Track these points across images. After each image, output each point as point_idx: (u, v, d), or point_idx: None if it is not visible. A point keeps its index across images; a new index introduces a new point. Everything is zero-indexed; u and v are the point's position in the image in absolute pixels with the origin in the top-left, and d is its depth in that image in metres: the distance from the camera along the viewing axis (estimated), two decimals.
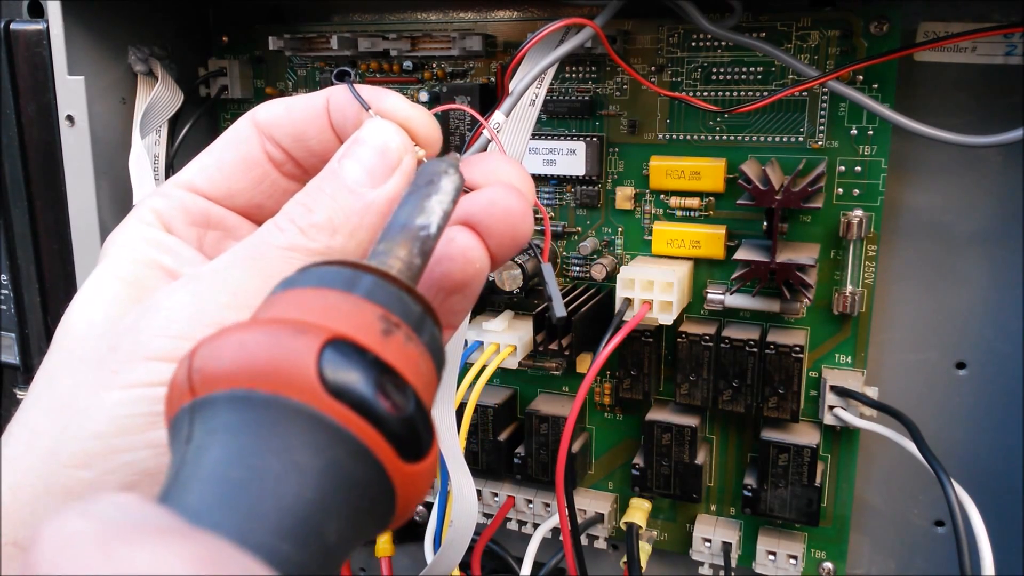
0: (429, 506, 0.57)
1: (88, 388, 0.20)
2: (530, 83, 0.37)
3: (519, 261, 0.46)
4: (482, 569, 0.53)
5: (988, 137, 0.37)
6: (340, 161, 0.22)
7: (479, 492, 0.51)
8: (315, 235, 0.21)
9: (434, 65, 0.51)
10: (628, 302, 0.43)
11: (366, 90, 0.24)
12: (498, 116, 0.37)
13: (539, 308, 0.45)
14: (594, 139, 0.47)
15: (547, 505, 0.52)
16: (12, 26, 0.49)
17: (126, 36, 0.51)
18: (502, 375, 0.53)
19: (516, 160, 0.23)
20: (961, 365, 0.45)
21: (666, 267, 0.45)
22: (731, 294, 0.45)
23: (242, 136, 0.25)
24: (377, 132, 0.23)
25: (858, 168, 0.43)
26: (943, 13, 0.40)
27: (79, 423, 0.20)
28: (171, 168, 0.53)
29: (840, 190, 0.43)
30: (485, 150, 0.37)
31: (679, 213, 0.47)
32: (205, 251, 0.25)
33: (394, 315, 0.17)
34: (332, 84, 0.24)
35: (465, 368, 0.47)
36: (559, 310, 0.25)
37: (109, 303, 0.22)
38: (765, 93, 0.44)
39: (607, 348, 0.42)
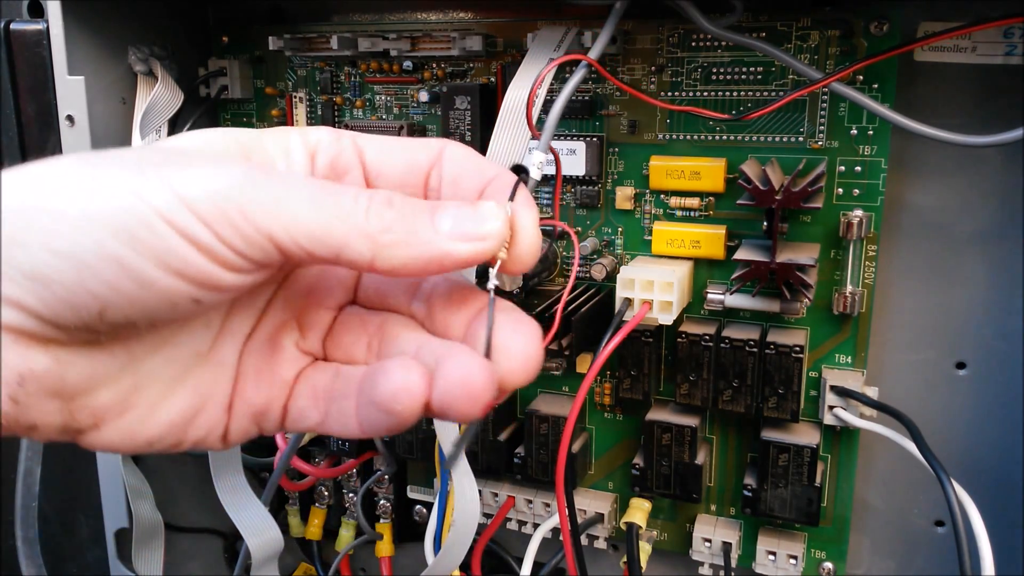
0: (429, 506, 0.57)
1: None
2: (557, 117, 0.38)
3: None
4: (482, 569, 0.53)
5: (988, 137, 0.37)
6: (448, 208, 0.23)
7: (479, 492, 0.51)
8: (376, 235, 0.22)
9: (434, 65, 0.51)
10: (628, 302, 0.43)
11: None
12: (538, 156, 0.37)
13: (539, 308, 0.45)
14: (594, 139, 0.47)
15: (547, 505, 0.52)
16: (12, 26, 0.49)
17: (126, 36, 0.51)
18: None
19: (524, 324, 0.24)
20: (961, 365, 0.45)
21: (666, 267, 0.45)
22: (731, 294, 0.45)
23: (421, 155, 0.27)
24: (493, 211, 0.23)
25: (858, 168, 0.43)
26: (943, 13, 0.40)
27: None
28: None
29: (840, 190, 0.43)
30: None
31: (679, 213, 0.47)
32: None
33: None
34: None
35: None
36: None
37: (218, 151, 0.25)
38: (765, 93, 0.44)
39: (607, 348, 0.42)
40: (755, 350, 0.43)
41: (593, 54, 0.40)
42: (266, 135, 0.26)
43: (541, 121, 0.39)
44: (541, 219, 0.51)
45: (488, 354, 0.23)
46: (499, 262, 0.24)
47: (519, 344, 0.24)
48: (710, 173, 0.45)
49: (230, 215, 0.21)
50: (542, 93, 0.39)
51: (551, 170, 0.48)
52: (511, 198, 0.24)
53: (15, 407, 0.21)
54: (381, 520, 0.58)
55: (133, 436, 0.24)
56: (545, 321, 0.44)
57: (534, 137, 0.38)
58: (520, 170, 0.25)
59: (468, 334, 0.25)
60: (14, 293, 0.20)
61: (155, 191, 0.21)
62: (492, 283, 0.24)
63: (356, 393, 0.24)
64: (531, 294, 0.50)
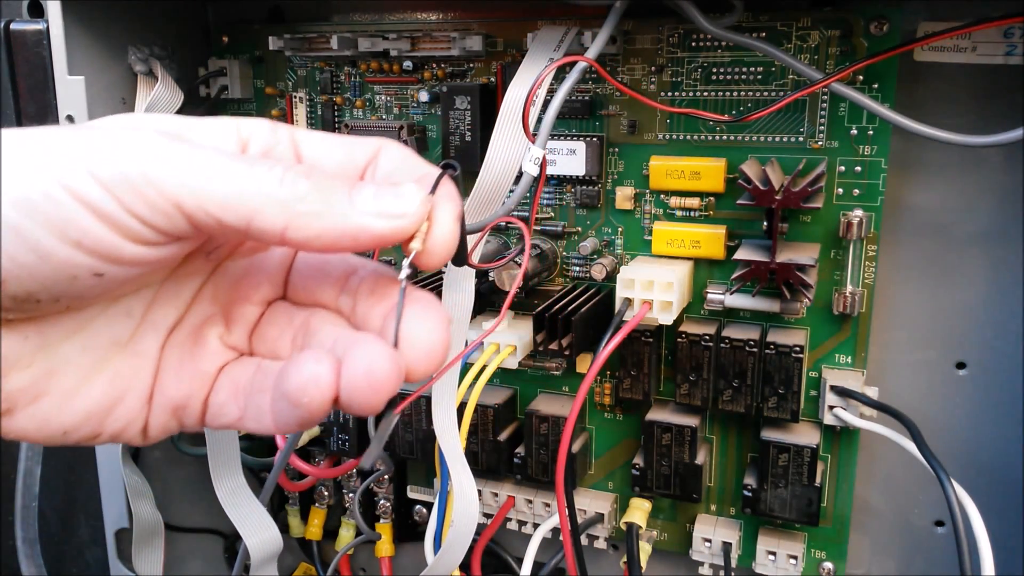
0: (429, 506, 0.57)
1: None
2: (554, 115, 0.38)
3: (519, 261, 0.46)
4: (482, 569, 0.53)
5: (988, 137, 0.37)
6: (368, 185, 0.23)
7: (479, 492, 0.51)
8: (290, 203, 0.22)
9: (434, 65, 0.51)
10: (628, 302, 0.43)
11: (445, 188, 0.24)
12: (536, 151, 0.37)
13: (539, 308, 0.45)
14: (594, 139, 0.47)
15: (547, 505, 0.52)
16: (12, 26, 0.49)
17: (126, 36, 0.51)
18: (502, 375, 0.53)
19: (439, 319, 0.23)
20: (961, 365, 0.45)
21: (666, 267, 0.45)
22: (731, 294, 0.45)
23: (358, 152, 0.26)
24: (413, 192, 0.23)
25: (858, 168, 0.43)
26: (943, 13, 0.40)
27: None
28: None
29: (840, 190, 0.43)
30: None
31: (679, 213, 0.47)
32: None
33: None
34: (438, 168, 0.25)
35: (465, 368, 0.47)
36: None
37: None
38: (765, 93, 0.44)
39: (607, 348, 0.42)
40: (755, 350, 0.43)
41: (592, 54, 0.40)
42: (197, 122, 0.24)
43: (541, 120, 0.40)
44: (542, 219, 0.51)
45: (396, 344, 0.23)
46: (413, 252, 0.23)
47: (424, 333, 0.23)
48: (710, 173, 0.45)
49: (134, 181, 0.20)
50: (541, 94, 0.39)
51: (551, 170, 0.48)
52: (433, 191, 0.23)
53: None
54: (381, 520, 0.58)
55: (47, 423, 0.23)
56: (546, 321, 0.44)
57: (529, 138, 0.38)
58: (449, 166, 0.25)
59: (383, 325, 0.24)
60: None
61: (57, 160, 0.20)
62: (405, 272, 0.23)
63: (272, 387, 0.24)
64: (531, 294, 0.50)
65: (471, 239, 0.40)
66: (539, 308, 0.45)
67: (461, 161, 0.48)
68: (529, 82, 0.39)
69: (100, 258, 0.21)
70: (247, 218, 0.21)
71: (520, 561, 0.50)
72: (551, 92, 0.40)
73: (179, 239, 0.22)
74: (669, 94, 0.46)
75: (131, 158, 0.21)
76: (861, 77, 0.42)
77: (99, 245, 0.21)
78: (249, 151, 0.24)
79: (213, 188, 0.21)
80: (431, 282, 0.49)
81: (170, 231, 0.21)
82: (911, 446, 0.41)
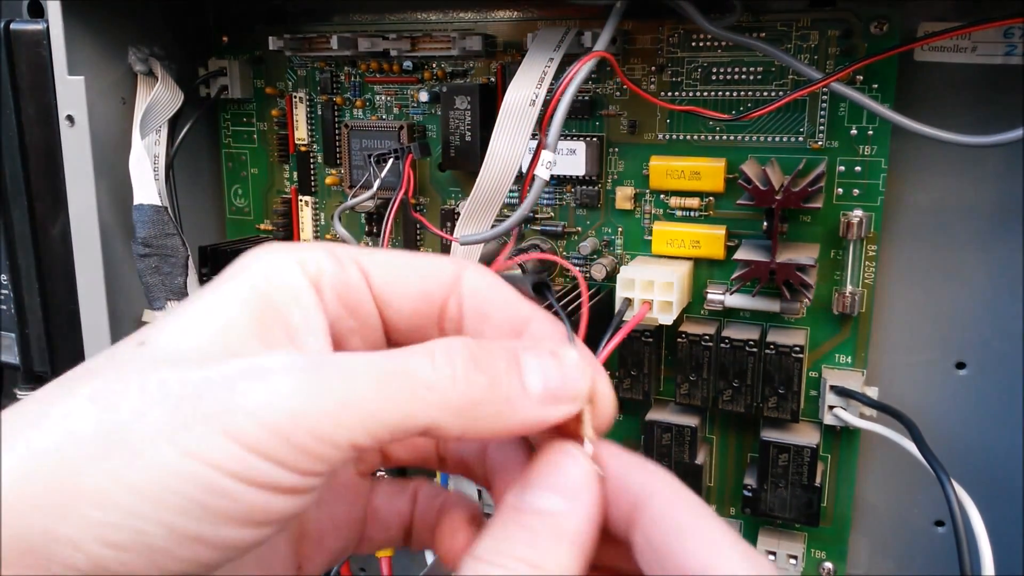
0: None
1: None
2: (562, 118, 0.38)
3: (519, 262, 0.46)
4: None
5: (988, 137, 0.37)
6: (530, 358, 0.21)
7: (479, 492, 0.51)
8: (467, 410, 0.20)
9: (434, 65, 0.51)
10: (628, 302, 0.43)
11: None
12: (546, 156, 0.38)
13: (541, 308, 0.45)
14: (594, 139, 0.47)
15: None
16: (12, 26, 0.49)
17: (126, 36, 0.51)
18: None
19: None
20: (961, 365, 0.45)
21: (666, 267, 0.45)
22: (731, 294, 0.45)
23: (435, 285, 0.23)
24: (579, 367, 0.21)
25: (858, 168, 0.43)
26: (943, 13, 0.40)
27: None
28: (171, 168, 0.53)
29: (840, 190, 0.43)
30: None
31: (679, 213, 0.47)
32: (335, 334, 0.23)
33: None
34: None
35: None
36: None
37: (225, 323, 0.20)
38: (765, 93, 0.44)
39: (607, 348, 0.42)
40: (755, 350, 0.43)
41: (600, 44, 0.40)
42: (269, 284, 0.21)
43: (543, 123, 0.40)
44: (542, 219, 0.51)
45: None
46: (587, 425, 0.22)
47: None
48: (710, 173, 0.45)
49: (297, 440, 0.18)
50: (541, 94, 0.39)
51: (557, 171, 0.48)
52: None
53: None
54: None
55: None
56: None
57: (542, 141, 0.38)
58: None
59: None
60: None
61: (211, 445, 0.17)
62: (588, 448, 0.22)
63: None
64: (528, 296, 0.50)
65: (475, 249, 0.40)
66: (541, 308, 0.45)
67: (461, 161, 0.49)
68: (531, 81, 0.39)
69: (284, 521, 0.19)
70: (422, 431, 0.19)
71: None
72: (552, 93, 0.40)
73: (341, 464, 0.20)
74: (669, 94, 0.46)
75: (286, 416, 0.18)
76: (861, 77, 0.42)
77: (284, 513, 0.18)
78: (324, 297, 0.22)
79: (380, 417, 0.18)
80: None
81: (336, 466, 0.19)
82: (911, 446, 0.41)
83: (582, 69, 0.39)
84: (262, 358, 0.19)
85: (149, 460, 0.17)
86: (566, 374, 0.21)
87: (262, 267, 0.21)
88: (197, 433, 0.17)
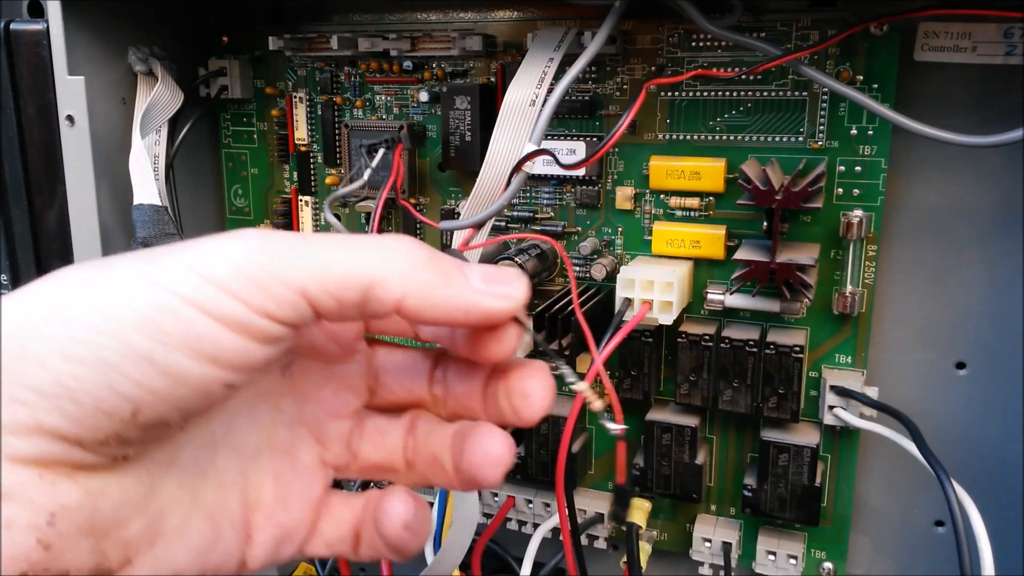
0: (429, 506, 0.57)
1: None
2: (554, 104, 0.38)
3: (519, 261, 0.46)
4: (482, 569, 0.53)
5: (988, 137, 0.37)
6: (476, 267, 0.24)
7: (479, 492, 0.51)
8: (409, 271, 0.22)
9: (434, 65, 0.51)
10: (628, 302, 0.43)
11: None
12: (529, 147, 0.38)
13: (539, 308, 0.45)
14: (594, 139, 0.47)
15: (547, 505, 0.52)
16: (12, 26, 0.49)
17: (126, 36, 0.51)
18: None
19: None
20: (961, 365, 0.45)
21: (666, 267, 0.45)
22: (731, 294, 0.45)
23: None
24: (517, 276, 0.24)
25: (858, 168, 0.43)
26: (942, 7, 0.40)
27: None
28: (171, 168, 0.53)
29: (840, 190, 0.43)
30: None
31: (679, 213, 0.47)
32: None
33: None
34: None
35: None
36: None
37: None
38: (765, 93, 0.44)
39: (607, 348, 0.42)
40: (755, 350, 0.43)
41: (590, 52, 0.40)
42: None
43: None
44: (542, 219, 0.51)
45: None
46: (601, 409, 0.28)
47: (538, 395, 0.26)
48: (710, 173, 0.45)
49: (258, 279, 0.20)
50: (541, 93, 0.39)
51: (554, 170, 0.48)
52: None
53: (46, 554, 0.18)
54: None
55: (162, 567, 0.22)
56: (547, 320, 0.44)
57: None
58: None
59: (487, 408, 0.27)
60: (34, 417, 0.18)
61: (174, 275, 0.19)
62: (613, 428, 0.29)
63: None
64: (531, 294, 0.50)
65: (470, 246, 0.40)
66: (539, 308, 0.45)
67: (461, 161, 0.49)
68: (531, 81, 0.39)
69: (234, 369, 0.20)
70: (365, 289, 0.21)
71: (520, 561, 0.50)
72: (551, 92, 0.40)
73: (300, 326, 0.21)
74: (669, 94, 0.46)
75: (249, 259, 0.20)
76: (861, 77, 0.42)
77: (233, 355, 0.20)
78: None
79: (333, 267, 0.21)
80: None
81: (296, 322, 0.21)
82: (911, 446, 0.41)
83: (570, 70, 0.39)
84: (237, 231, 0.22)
85: (117, 287, 0.19)
86: (504, 275, 0.24)
87: None
88: (163, 265, 0.20)
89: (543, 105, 0.39)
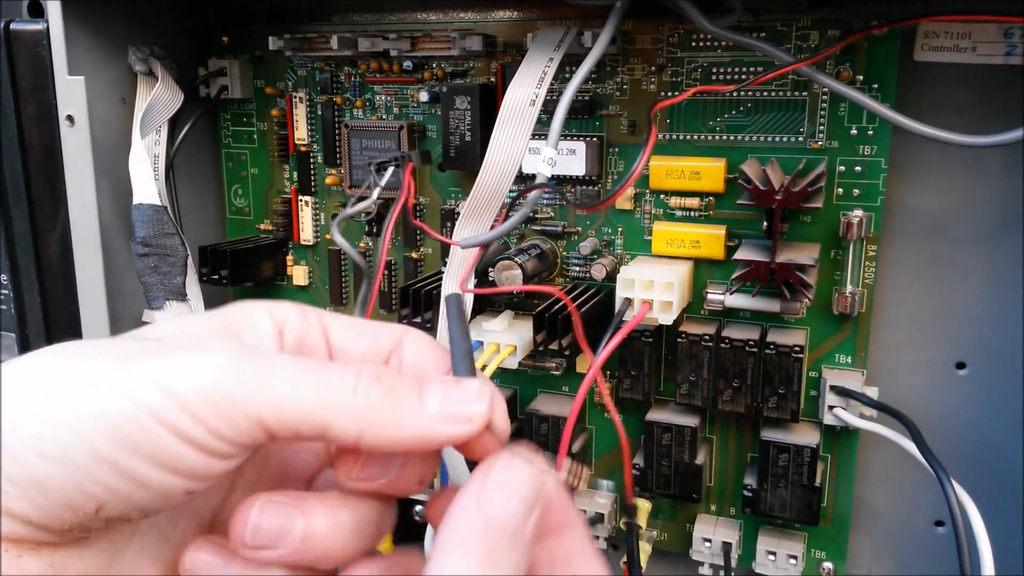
0: None
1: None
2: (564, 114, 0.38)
3: (519, 261, 0.46)
4: None
5: (988, 137, 0.37)
6: (436, 385, 0.23)
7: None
8: (364, 413, 0.22)
9: (434, 65, 0.51)
10: (628, 302, 0.43)
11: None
12: (547, 152, 0.38)
13: (539, 308, 0.45)
14: (594, 139, 0.47)
15: None
16: (12, 26, 0.49)
17: (126, 36, 0.51)
18: (502, 375, 0.53)
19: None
20: (961, 365, 0.45)
21: (666, 267, 0.45)
22: (731, 294, 0.44)
23: (384, 340, 0.26)
24: (478, 391, 0.24)
25: (858, 168, 0.43)
26: (943, 13, 0.40)
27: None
28: (171, 168, 0.53)
29: (840, 190, 0.43)
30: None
31: (679, 213, 0.47)
32: None
33: None
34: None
35: None
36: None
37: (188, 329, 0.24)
38: (765, 93, 0.44)
39: (607, 348, 0.42)
40: (755, 350, 0.43)
41: (594, 54, 0.40)
42: (237, 315, 0.25)
43: (542, 121, 0.40)
44: (542, 219, 0.51)
45: None
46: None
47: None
48: (710, 173, 0.45)
49: (219, 406, 0.21)
50: (541, 93, 0.39)
51: (556, 171, 0.48)
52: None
53: None
54: None
55: None
56: (547, 320, 0.44)
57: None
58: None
59: None
60: (5, 502, 0.20)
61: (143, 388, 0.20)
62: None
63: None
64: (531, 294, 0.50)
65: (473, 252, 0.40)
66: (539, 308, 0.45)
67: (461, 161, 0.49)
68: (532, 81, 0.39)
69: (193, 478, 0.21)
70: (322, 429, 0.22)
71: None
72: (552, 92, 0.40)
73: (257, 447, 0.22)
74: (669, 94, 0.46)
75: (213, 383, 0.21)
76: (861, 77, 0.42)
77: (192, 468, 0.21)
78: (285, 340, 0.25)
79: (291, 403, 0.21)
80: (431, 283, 0.49)
81: (251, 444, 0.22)
82: (911, 446, 0.41)
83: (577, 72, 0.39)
84: (209, 341, 0.23)
85: (89, 389, 0.20)
86: (463, 396, 0.23)
87: (235, 308, 0.25)
88: (135, 378, 0.20)
89: (550, 109, 0.40)
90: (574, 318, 0.39)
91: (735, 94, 0.44)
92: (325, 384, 0.22)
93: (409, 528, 0.59)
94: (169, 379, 0.21)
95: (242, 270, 0.55)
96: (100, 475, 0.20)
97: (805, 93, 0.43)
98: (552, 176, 0.49)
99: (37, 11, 0.50)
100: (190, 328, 0.25)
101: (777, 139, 0.44)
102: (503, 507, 0.22)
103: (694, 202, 0.46)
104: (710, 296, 0.45)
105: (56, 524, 0.20)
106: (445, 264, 0.43)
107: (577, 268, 0.50)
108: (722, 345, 0.44)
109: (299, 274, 0.58)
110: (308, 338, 0.26)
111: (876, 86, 0.42)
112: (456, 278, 0.40)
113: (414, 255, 0.54)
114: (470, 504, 0.22)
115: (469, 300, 0.41)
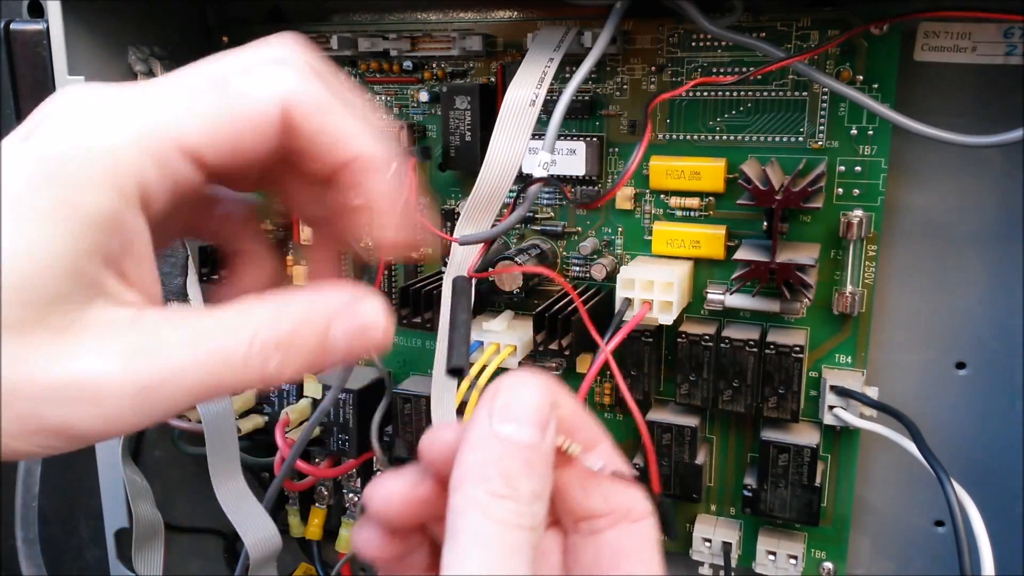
0: None
1: None
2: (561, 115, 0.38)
3: (519, 261, 0.46)
4: None
5: (988, 137, 0.37)
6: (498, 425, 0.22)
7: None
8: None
9: (434, 65, 0.51)
10: (628, 302, 0.43)
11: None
12: (543, 156, 0.38)
13: (539, 308, 0.45)
14: (594, 139, 0.47)
15: None
16: (12, 26, 0.49)
17: (126, 36, 0.51)
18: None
19: None
20: (961, 365, 0.45)
21: (666, 267, 0.45)
22: (731, 294, 0.44)
23: (267, 114, 0.22)
24: (518, 389, 0.22)
25: (858, 168, 0.43)
26: (941, 9, 0.40)
27: None
28: None
29: (840, 190, 0.43)
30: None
31: (679, 213, 0.47)
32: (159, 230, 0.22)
33: None
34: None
35: None
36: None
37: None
38: (765, 93, 0.44)
39: (607, 348, 0.42)
40: (755, 350, 0.43)
41: (594, 54, 0.40)
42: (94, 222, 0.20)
43: (542, 121, 0.40)
44: (542, 219, 0.51)
45: None
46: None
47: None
48: (710, 173, 0.45)
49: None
50: (541, 94, 0.39)
51: (556, 171, 0.48)
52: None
53: None
54: None
55: None
56: (547, 321, 0.44)
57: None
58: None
59: None
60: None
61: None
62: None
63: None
64: (531, 294, 0.50)
65: (474, 249, 0.40)
66: (539, 308, 0.45)
67: (461, 161, 0.49)
68: (531, 81, 0.39)
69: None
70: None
71: None
72: (552, 92, 0.40)
73: None
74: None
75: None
76: (861, 77, 0.42)
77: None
78: (149, 205, 0.21)
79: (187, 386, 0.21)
80: (431, 284, 0.49)
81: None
82: (911, 446, 0.41)
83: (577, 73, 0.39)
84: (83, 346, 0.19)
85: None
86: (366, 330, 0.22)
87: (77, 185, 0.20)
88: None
89: (550, 109, 0.40)
90: (580, 309, 0.39)
91: (735, 94, 0.44)
92: (225, 369, 0.21)
93: None
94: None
95: None
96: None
97: (805, 93, 0.43)
98: (552, 176, 0.49)
99: (37, 11, 0.50)
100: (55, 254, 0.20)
101: (777, 139, 0.44)
102: (514, 428, 0.21)
103: (694, 202, 0.46)
104: (710, 296, 0.45)
105: None
106: (445, 264, 0.43)
107: (577, 268, 0.50)
108: (722, 345, 0.44)
109: (299, 274, 0.58)
110: (177, 192, 0.22)
111: (876, 86, 0.42)
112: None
113: (414, 255, 0.54)
114: (480, 430, 0.21)
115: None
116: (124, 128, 0.20)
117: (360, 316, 0.22)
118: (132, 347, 0.20)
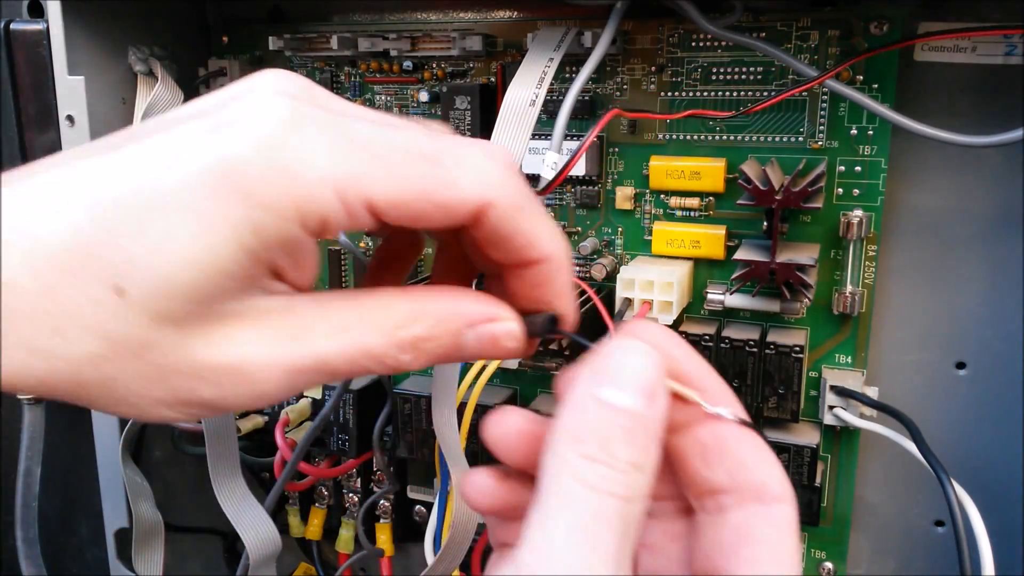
0: (429, 506, 0.57)
1: None
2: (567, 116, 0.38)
3: None
4: (482, 569, 0.53)
5: (988, 137, 0.37)
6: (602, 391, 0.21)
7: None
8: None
9: (434, 65, 0.51)
10: (628, 302, 0.43)
11: None
12: (551, 156, 0.38)
13: None
14: (594, 139, 0.47)
15: None
16: (12, 26, 0.49)
17: (126, 36, 0.51)
18: (502, 375, 0.53)
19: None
20: (961, 365, 0.45)
21: (666, 267, 0.45)
22: (731, 294, 0.45)
23: (465, 206, 0.22)
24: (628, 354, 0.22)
25: (858, 168, 0.43)
26: (943, 13, 0.40)
27: None
28: None
29: (840, 190, 0.43)
30: None
31: (679, 213, 0.47)
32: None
33: None
34: None
35: (465, 368, 0.47)
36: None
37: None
38: (765, 93, 0.44)
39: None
40: (755, 350, 0.43)
41: (596, 55, 0.40)
42: (267, 237, 0.20)
43: (542, 121, 0.40)
44: None
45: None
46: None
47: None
48: (710, 173, 0.45)
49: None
50: (541, 94, 0.39)
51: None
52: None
53: None
54: (381, 520, 0.58)
55: None
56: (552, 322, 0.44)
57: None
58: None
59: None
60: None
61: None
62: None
63: None
64: None
65: None
66: None
67: None
68: (531, 81, 0.39)
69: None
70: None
71: None
72: (552, 92, 0.40)
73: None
74: (669, 94, 0.46)
75: None
76: (861, 77, 0.42)
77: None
78: (324, 233, 0.22)
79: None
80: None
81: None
82: (911, 446, 0.41)
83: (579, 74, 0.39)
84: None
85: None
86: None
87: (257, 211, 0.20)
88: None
89: (551, 109, 0.39)
90: (596, 304, 0.39)
91: (735, 94, 0.44)
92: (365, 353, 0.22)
93: (410, 528, 0.60)
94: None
95: None
96: None
97: (805, 93, 0.43)
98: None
99: (37, 11, 0.50)
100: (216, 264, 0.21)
101: (777, 139, 0.44)
102: (614, 393, 0.21)
103: (694, 202, 0.46)
104: (710, 296, 0.45)
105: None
106: None
107: (577, 268, 0.50)
108: (722, 345, 0.44)
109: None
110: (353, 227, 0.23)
111: (876, 86, 0.42)
112: None
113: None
114: (581, 390, 0.21)
115: None
116: (325, 169, 0.20)
117: (495, 328, 0.24)
118: (284, 333, 0.21)
